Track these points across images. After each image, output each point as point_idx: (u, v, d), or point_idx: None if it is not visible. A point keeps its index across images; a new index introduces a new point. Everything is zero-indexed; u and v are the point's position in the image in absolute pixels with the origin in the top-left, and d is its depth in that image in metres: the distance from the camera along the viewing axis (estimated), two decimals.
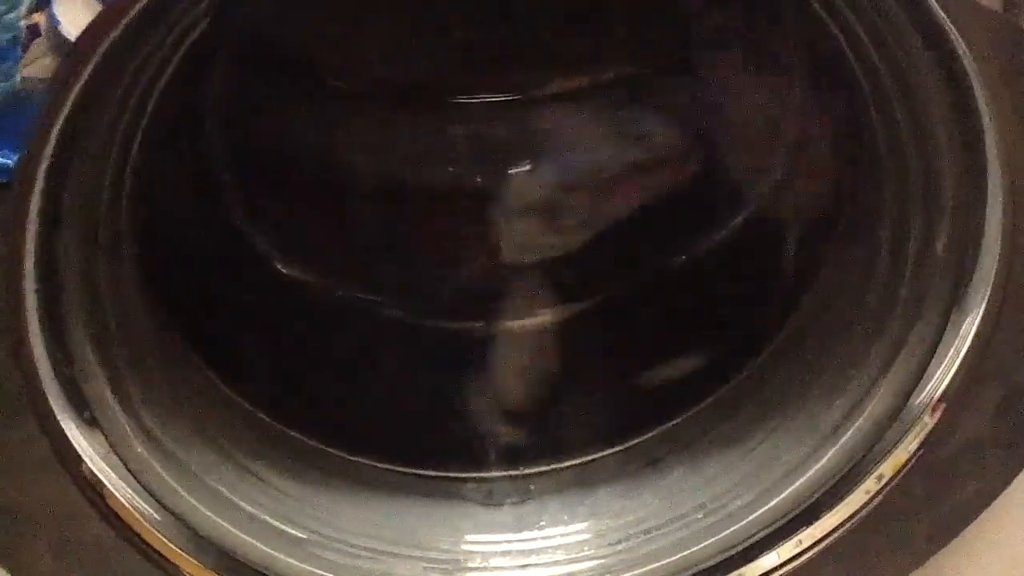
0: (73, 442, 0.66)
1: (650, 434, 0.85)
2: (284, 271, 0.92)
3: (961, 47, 0.63)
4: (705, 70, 0.93)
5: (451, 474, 0.84)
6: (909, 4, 0.64)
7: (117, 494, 0.68)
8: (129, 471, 0.68)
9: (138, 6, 0.57)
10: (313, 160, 0.94)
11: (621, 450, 0.84)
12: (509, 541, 0.80)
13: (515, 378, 0.91)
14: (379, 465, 0.83)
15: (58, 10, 0.57)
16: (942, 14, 0.62)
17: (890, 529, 0.75)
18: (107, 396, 0.67)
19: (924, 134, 0.69)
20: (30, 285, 0.62)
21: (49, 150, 0.59)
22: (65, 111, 0.58)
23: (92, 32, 0.56)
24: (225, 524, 0.71)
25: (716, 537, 0.76)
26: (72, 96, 0.58)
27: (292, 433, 0.81)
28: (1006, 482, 0.75)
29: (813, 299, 0.85)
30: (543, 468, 0.84)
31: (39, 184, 0.60)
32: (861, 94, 0.73)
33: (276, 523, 0.74)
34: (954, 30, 0.63)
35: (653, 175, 0.95)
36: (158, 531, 0.69)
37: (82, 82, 0.58)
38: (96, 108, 0.61)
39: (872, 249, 0.76)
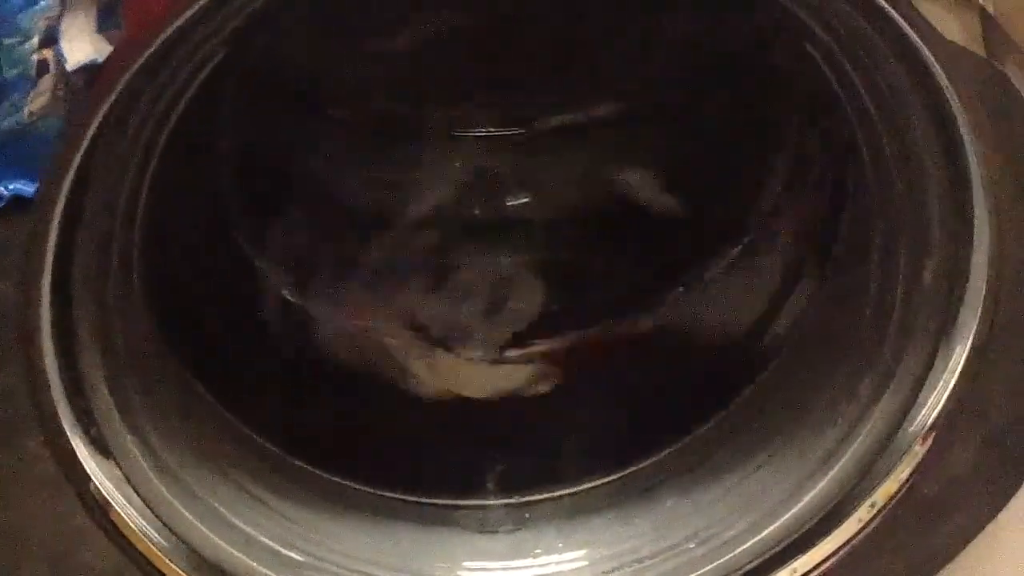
0: (81, 461, 0.67)
1: (644, 463, 0.85)
2: (287, 299, 0.93)
3: (949, 90, 0.65)
4: (700, 108, 0.95)
5: (447, 501, 0.84)
6: (898, 48, 0.66)
7: (122, 513, 0.68)
8: (137, 493, 0.69)
9: (158, 40, 0.58)
10: (316, 189, 0.96)
11: (616, 479, 0.85)
12: (504, 569, 0.80)
13: (512, 406, 0.92)
14: (375, 491, 0.83)
15: (65, 47, 0.58)
16: (931, 57, 0.64)
17: (879, 560, 0.76)
18: (115, 417, 0.68)
19: (912, 170, 0.71)
20: (45, 306, 0.63)
21: (69, 178, 0.60)
22: (85, 141, 0.60)
23: (112, 65, 0.58)
24: (224, 545, 0.72)
25: (710, 566, 0.76)
26: (92, 127, 0.59)
27: (291, 458, 0.82)
28: (992, 514, 0.76)
29: (804, 331, 0.86)
30: (538, 496, 0.85)
31: (58, 210, 0.61)
32: (850, 132, 0.75)
33: (274, 545, 0.75)
34: (942, 73, 0.65)
35: (647, 210, 0.97)
36: (160, 551, 0.70)
37: (101, 113, 0.59)
38: (114, 138, 0.62)
39: (861, 282, 0.77)
